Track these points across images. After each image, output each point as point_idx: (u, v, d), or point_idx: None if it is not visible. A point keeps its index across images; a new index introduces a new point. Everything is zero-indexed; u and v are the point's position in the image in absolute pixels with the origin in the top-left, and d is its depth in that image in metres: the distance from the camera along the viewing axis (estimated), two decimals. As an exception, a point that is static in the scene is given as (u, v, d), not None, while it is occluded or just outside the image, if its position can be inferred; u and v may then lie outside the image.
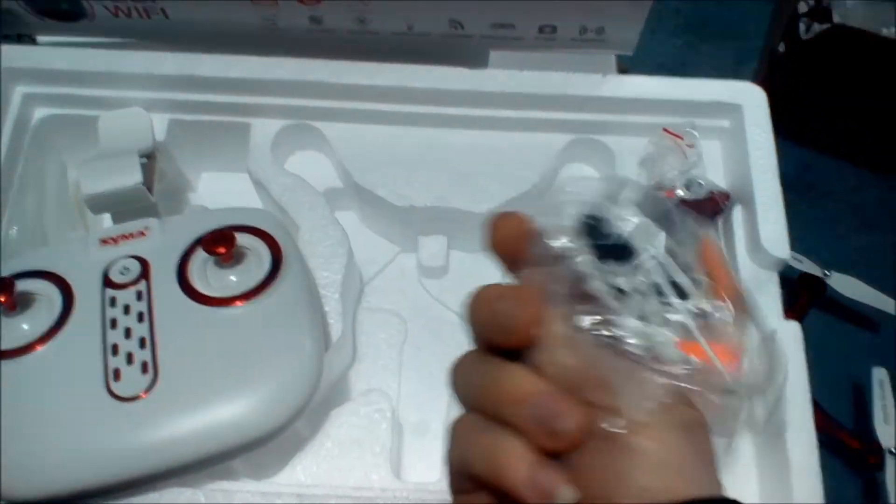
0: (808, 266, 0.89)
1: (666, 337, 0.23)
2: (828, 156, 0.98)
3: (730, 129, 0.52)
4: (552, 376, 0.23)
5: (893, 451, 0.79)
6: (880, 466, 0.79)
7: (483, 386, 0.24)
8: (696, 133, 0.48)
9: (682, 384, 0.23)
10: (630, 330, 0.23)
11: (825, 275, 0.90)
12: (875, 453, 0.80)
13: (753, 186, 0.48)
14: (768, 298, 0.47)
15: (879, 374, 0.83)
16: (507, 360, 0.24)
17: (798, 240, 0.99)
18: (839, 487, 0.83)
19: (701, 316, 0.24)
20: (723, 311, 0.24)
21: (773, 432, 0.43)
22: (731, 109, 0.51)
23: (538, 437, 0.23)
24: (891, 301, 0.86)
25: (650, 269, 0.25)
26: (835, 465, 0.87)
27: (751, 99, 0.51)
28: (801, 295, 0.86)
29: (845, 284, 0.86)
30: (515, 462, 0.23)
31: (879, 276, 0.88)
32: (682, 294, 0.24)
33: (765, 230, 0.47)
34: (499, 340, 0.24)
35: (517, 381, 0.23)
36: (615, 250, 0.25)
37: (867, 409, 0.83)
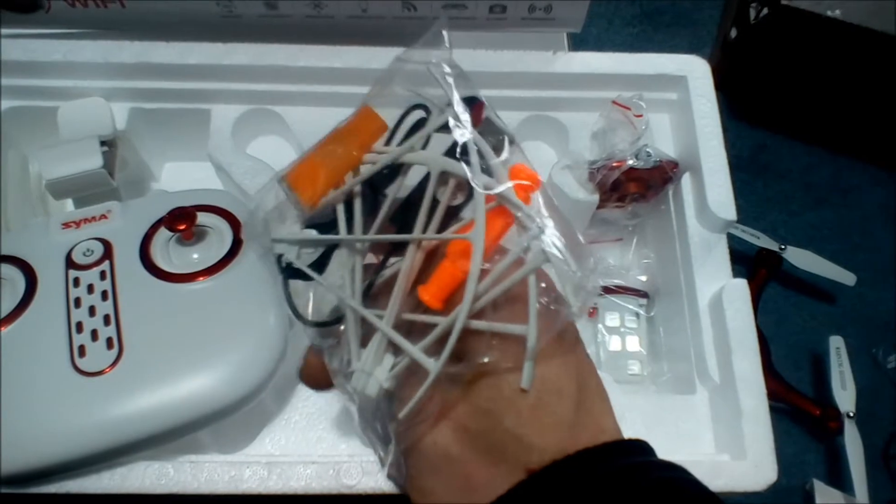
0: (764, 241, 0.91)
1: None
2: (781, 136, 1.00)
3: (677, 101, 0.54)
4: None
5: (851, 415, 0.82)
6: (840, 431, 0.81)
7: None
8: (643, 104, 0.50)
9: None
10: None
11: (781, 249, 0.93)
12: (835, 419, 0.82)
13: (700, 153, 0.50)
14: (717, 260, 0.49)
15: (836, 342, 0.86)
16: None
17: (755, 218, 1.01)
18: (802, 454, 0.85)
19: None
20: None
21: (725, 384, 0.45)
22: (677, 81, 0.53)
23: None
24: (844, 272, 0.89)
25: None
26: (798, 433, 0.89)
27: (695, 70, 0.53)
28: (758, 270, 0.88)
29: (801, 258, 0.89)
30: None
31: (832, 251, 0.91)
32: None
33: (711, 194, 0.49)
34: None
35: None
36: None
37: (826, 377, 0.85)
